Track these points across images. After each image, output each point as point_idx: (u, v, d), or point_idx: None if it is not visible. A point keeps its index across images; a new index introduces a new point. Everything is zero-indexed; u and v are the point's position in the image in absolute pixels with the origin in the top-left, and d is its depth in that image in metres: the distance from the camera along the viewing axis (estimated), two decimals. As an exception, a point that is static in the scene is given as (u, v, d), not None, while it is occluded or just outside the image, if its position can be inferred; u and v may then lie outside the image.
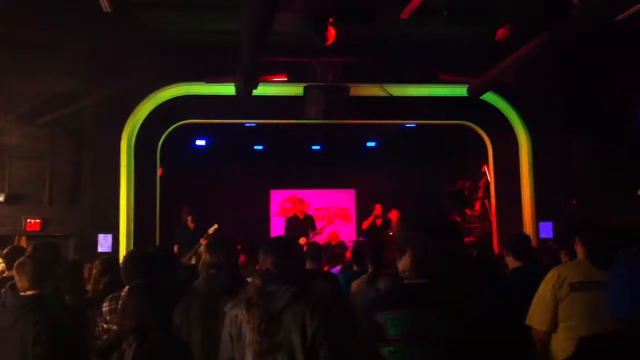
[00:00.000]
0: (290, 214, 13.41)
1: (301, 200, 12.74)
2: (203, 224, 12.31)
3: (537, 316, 4.04)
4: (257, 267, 3.44)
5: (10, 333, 4.06)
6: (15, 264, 4.42)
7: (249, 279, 3.77)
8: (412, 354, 2.48)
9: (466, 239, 12.06)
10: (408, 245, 2.67)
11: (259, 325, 3.11)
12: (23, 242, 9.41)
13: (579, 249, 4.19)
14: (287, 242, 3.80)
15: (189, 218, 11.30)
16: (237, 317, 3.27)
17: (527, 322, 4.09)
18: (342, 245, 12.34)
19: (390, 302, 2.62)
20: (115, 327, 4.16)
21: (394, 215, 12.03)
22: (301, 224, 11.86)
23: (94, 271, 5.41)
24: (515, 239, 5.47)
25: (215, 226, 10.64)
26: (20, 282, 4.29)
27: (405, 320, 2.51)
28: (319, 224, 12.36)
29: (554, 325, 3.98)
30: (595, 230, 4.19)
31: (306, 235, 11.24)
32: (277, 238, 4.04)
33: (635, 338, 2.12)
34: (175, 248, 10.32)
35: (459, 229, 3.00)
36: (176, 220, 11.57)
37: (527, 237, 5.92)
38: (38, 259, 4.57)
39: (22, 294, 4.28)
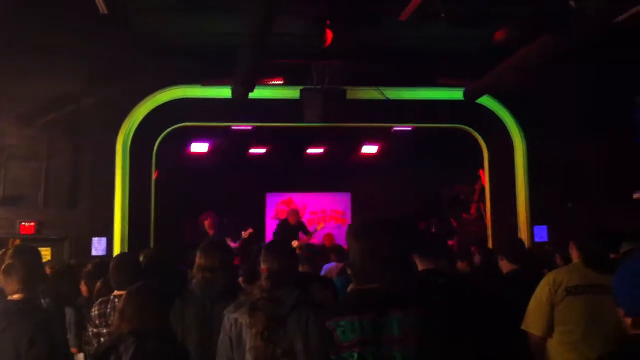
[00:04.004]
0: (283, 217, 13.42)
1: (295, 211, 12.71)
2: (200, 228, 12.31)
3: (533, 321, 4.03)
4: (263, 269, 3.42)
5: (1, 338, 4.01)
6: (3, 266, 4.35)
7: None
8: (362, 359, 2.45)
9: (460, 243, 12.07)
10: (350, 254, 2.70)
11: (263, 331, 3.09)
12: (17, 245, 9.38)
13: (574, 253, 4.19)
14: (291, 246, 3.81)
15: (207, 223, 11.27)
16: (236, 320, 3.25)
17: (523, 327, 4.07)
18: (339, 250, 12.29)
19: (339, 310, 2.59)
20: (104, 330, 4.16)
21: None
22: (293, 228, 11.88)
23: (88, 276, 5.40)
24: (509, 243, 5.48)
25: (250, 230, 10.67)
26: (8, 285, 4.22)
27: (354, 327, 2.48)
28: (311, 228, 12.38)
29: (550, 330, 3.96)
30: (590, 234, 4.17)
31: (296, 238, 11.30)
32: (281, 241, 4.03)
33: None
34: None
35: (401, 232, 2.99)
36: (171, 223, 11.54)
37: (520, 241, 5.93)
38: (27, 261, 4.52)
39: (9, 297, 4.22)
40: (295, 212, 12.48)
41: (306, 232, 11.98)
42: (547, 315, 3.96)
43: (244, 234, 10.98)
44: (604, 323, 3.74)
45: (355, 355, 2.45)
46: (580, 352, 3.80)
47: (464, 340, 3.45)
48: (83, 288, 5.44)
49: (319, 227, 12.38)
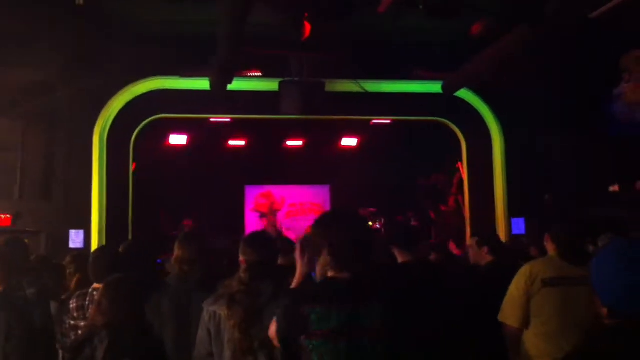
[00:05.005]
0: (264, 210, 13.37)
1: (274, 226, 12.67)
2: (177, 220, 12.27)
3: (509, 312, 4.06)
4: (242, 261, 3.41)
5: None
6: None
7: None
8: (335, 349, 2.46)
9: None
10: (326, 242, 2.67)
11: (241, 323, 3.08)
12: (-7, 238, 9.27)
13: (549, 246, 4.22)
14: (270, 238, 3.81)
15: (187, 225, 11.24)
16: (215, 313, 3.25)
17: (499, 318, 4.10)
18: None
19: (315, 296, 2.59)
20: (82, 323, 4.14)
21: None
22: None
23: (67, 269, 5.35)
24: (488, 235, 5.53)
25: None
26: None
27: (329, 316, 2.49)
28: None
29: (526, 322, 4.00)
30: (565, 227, 4.20)
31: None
32: (261, 233, 4.01)
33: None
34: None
35: (368, 224, 3.03)
36: (149, 215, 11.49)
37: (496, 233, 5.99)
38: (4, 255, 4.50)
39: None
40: (276, 228, 12.47)
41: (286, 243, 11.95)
42: (524, 307, 3.99)
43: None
44: (579, 314, 3.78)
45: (329, 345, 2.45)
46: (556, 344, 3.83)
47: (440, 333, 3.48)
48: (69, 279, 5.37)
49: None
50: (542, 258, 4.35)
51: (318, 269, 2.74)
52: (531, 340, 3.98)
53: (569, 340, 3.75)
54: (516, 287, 4.05)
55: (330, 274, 2.65)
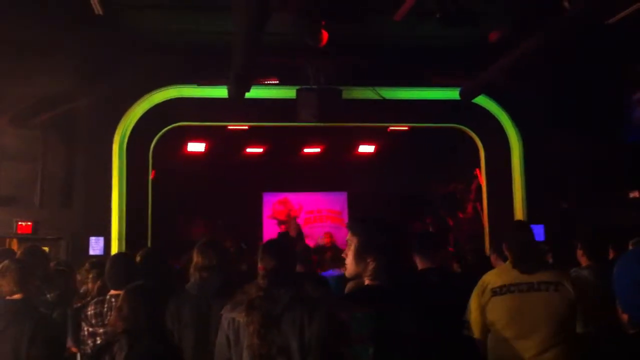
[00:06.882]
0: (282, 217, 13.39)
1: (297, 224, 12.70)
2: (194, 227, 12.32)
3: (472, 324, 4.09)
4: (260, 268, 3.44)
5: (1, 339, 4.02)
6: None
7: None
8: (379, 351, 2.49)
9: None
10: (373, 251, 2.72)
11: (259, 329, 3.10)
12: (14, 245, 9.36)
13: (507, 253, 4.23)
14: (289, 246, 3.84)
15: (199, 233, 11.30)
16: (234, 319, 3.26)
17: (465, 332, 4.13)
18: (335, 249, 12.11)
19: (354, 302, 2.64)
20: (101, 330, 4.17)
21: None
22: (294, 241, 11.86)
23: (88, 275, 5.41)
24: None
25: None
26: (6, 286, 4.23)
27: (370, 320, 2.53)
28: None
29: (487, 330, 4.03)
30: (516, 237, 4.17)
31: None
32: (280, 241, 4.05)
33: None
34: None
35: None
36: (168, 222, 11.55)
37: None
38: (22, 262, 4.54)
39: (7, 297, 4.23)
40: (297, 225, 12.48)
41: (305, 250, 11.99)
42: (480, 317, 4.03)
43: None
44: (534, 320, 3.84)
45: (370, 349, 2.49)
46: (514, 349, 3.86)
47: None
48: (90, 286, 5.44)
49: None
50: (497, 268, 4.36)
51: (352, 270, 2.75)
52: (492, 347, 4.02)
53: (526, 346, 3.81)
54: (472, 300, 4.10)
55: (367, 281, 2.69)
